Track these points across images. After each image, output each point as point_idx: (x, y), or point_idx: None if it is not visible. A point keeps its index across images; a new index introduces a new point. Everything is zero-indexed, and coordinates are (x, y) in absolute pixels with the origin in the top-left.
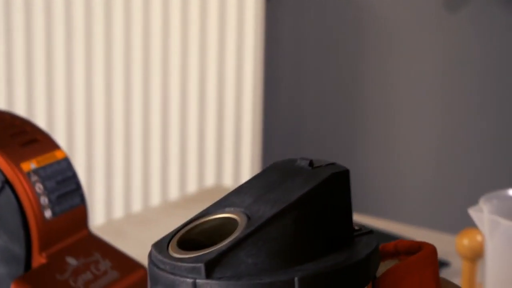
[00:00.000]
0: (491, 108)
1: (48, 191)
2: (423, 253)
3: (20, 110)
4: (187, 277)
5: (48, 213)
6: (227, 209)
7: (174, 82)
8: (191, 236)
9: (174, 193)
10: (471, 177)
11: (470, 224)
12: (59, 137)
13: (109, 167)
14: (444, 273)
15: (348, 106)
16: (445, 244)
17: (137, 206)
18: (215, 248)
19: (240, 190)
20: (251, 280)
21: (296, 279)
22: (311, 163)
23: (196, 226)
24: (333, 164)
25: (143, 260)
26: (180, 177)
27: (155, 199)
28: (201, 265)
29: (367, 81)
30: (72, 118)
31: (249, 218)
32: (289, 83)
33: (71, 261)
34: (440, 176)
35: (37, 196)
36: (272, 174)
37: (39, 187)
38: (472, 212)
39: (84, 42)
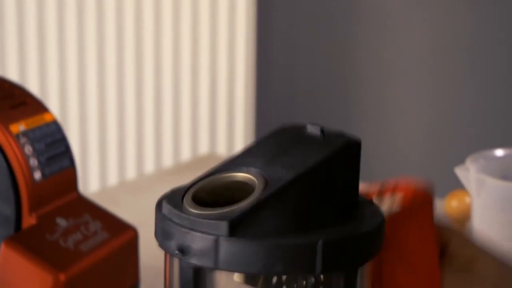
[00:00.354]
0: (480, 71)
1: (37, 153)
2: (419, 199)
3: (12, 76)
4: (209, 234)
5: (37, 175)
6: (240, 168)
7: (167, 48)
8: (205, 193)
9: (168, 161)
10: (463, 142)
11: (460, 187)
12: (52, 104)
13: (103, 136)
14: None
15: (341, 70)
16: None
17: (131, 174)
18: (236, 207)
19: (252, 150)
20: (275, 240)
21: (320, 242)
22: (322, 131)
23: (208, 183)
24: (342, 133)
25: (137, 226)
26: (174, 145)
27: (149, 167)
28: (224, 223)
29: (360, 46)
30: (65, 85)
31: (265, 179)
32: (282, 48)
33: (61, 222)
34: (432, 140)
35: (26, 157)
36: (283, 137)
37: (28, 149)
38: (459, 171)
39: (76, 6)
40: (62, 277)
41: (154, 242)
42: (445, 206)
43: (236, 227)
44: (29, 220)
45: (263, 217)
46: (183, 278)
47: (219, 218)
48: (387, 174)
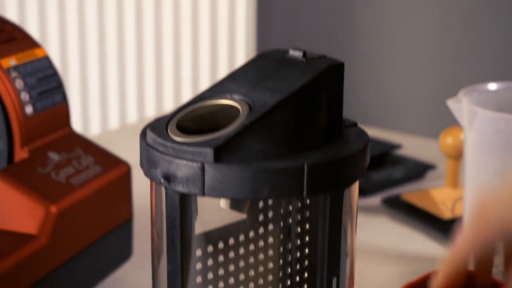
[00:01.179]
0: (475, 6)
1: (28, 87)
2: None
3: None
4: (194, 161)
5: (29, 109)
6: (224, 95)
7: None
8: (189, 121)
9: (168, 105)
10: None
11: (455, 124)
12: (52, 50)
13: (104, 80)
14: (431, 175)
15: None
16: (430, 149)
17: (132, 118)
18: (221, 133)
19: (234, 77)
20: (261, 165)
21: (305, 165)
22: (304, 54)
23: (192, 111)
24: (324, 56)
25: (136, 169)
26: (174, 89)
27: (150, 111)
28: (209, 149)
29: None
30: (65, 28)
31: (249, 105)
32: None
33: (53, 156)
34: (428, 77)
35: (17, 92)
36: (265, 62)
37: (19, 83)
38: (451, 103)
39: None
40: (54, 208)
41: (149, 183)
42: (440, 143)
43: (221, 153)
44: (21, 154)
45: (248, 142)
46: (170, 206)
47: (204, 144)
48: (384, 109)
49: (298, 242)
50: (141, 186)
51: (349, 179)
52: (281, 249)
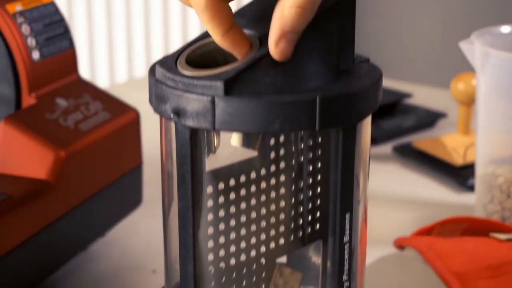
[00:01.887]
0: None
1: (35, 33)
2: None
3: None
4: (204, 95)
5: (36, 55)
6: None
7: None
8: (198, 56)
9: None
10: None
11: (467, 69)
12: (60, 3)
13: (111, 33)
14: (442, 123)
15: None
16: (441, 98)
17: (139, 71)
18: (231, 66)
19: (243, 13)
20: (272, 98)
21: (317, 98)
22: None
23: (201, 46)
24: None
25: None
26: (182, 42)
27: None
28: (219, 83)
29: None
30: None
31: (259, 39)
32: None
33: (61, 102)
34: (440, 21)
35: (24, 37)
36: None
37: (25, 29)
38: (463, 45)
39: None
40: (62, 153)
41: (158, 133)
42: (451, 89)
43: (232, 86)
44: (28, 100)
45: (258, 75)
46: (180, 142)
47: (214, 78)
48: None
49: (310, 180)
50: (149, 138)
51: (362, 113)
52: (293, 187)
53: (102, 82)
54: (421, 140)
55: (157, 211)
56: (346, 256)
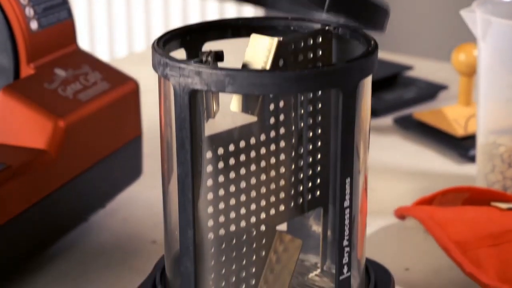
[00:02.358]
0: None
1: (33, 3)
2: None
3: None
4: None
5: (34, 25)
6: None
7: None
8: None
9: None
10: None
11: (468, 40)
12: None
13: (111, 8)
14: (443, 96)
15: None
16: (442, 71)
17: (139, 46)
18: None
19: None
20: None
21: None
22: None
23: None
24: None
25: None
26: (182, 18)
27: None
28: None
29: None
30: None
31: None
32: None
33: (60, 72)
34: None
35: (22, 6)
36: None
37: None
38: (464, 13)
39: None
40: (62, 123)
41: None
42: (452, 60)
43: None
44: (27, 71)
45: None
46: (179, 107)
47: None
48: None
49: (310, 146)
50: (148, 113)
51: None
52: (293, 153)
53: (101, 56)
54: (422, 112)
55: (157, 183)
56: (347, 222)
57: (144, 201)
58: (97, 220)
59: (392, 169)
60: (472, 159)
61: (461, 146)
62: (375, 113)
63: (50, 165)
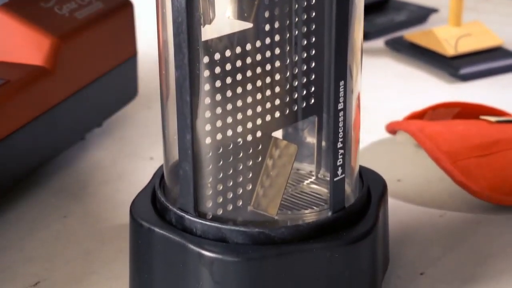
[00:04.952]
0: None
1: None
2: None
3: None
4: None
5: None
6: None
7: None
8: None
9: None
10: None
11: None
12: None
13: None
14: (433, 19)
15: None
16: None
17: None
18: None
19: None
20: None
21: None
22: None
23: None
24: None
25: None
26: None
27: None
28: None
29: None
30: None
31: None
32: None
33: None
34: None
35: None
36: None
37: None
38: None
39: None
40: (58, 40)
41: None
42: None
43: None
44: None
45: None
46: (176, 11)
47: None
48: None
49: (305, 54)
50: (143, 39)
51: None
52: (288, 60)
53: None
54: (412, 33)
55: (153, 103)
56: (341, 124)
57: (140, 121)
58: (94, 139)
59: (384, 90)
60: (463, 78)
61: (452, 66)
62: (366, 36)
63: (48, 81)
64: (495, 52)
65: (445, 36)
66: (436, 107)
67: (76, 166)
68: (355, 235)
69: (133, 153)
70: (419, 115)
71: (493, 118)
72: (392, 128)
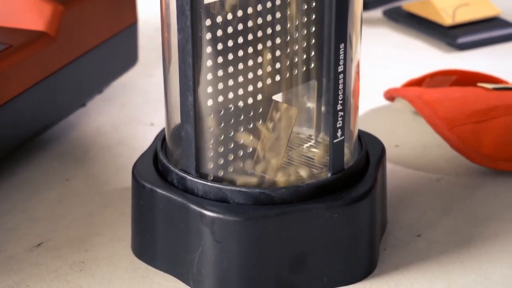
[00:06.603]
0: None
1: None
2: None
3: None
4: None
5: None
6: None
7: None
8: None
9: None
10: None
11: None
12: None
13: None
14: None
15: None
16: None
17: None
18: None
19: None
20: None
21: None
22: None
23: None
24: None
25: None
26: None
27: None
28: None
29: None
30: None
31: None
32: None
33: None
34: None
35: None
36: None
37: None
38: None
39: None
40: (60, 7)
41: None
42: None
43: None
44: None
45: None
46: None
47: None
48: None
49: (305, 19)
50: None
51: None
52: (288, 24)
53: None
54: (410, 3)
55: (154, 71)
56: (341, 86)
57: (141, 88)
58: (95, 105)
59: (382, 59)
60: (460, 47)
61: (449, 35)
62: (365, 6)
63: (50, 46)
64: (493, 22)
65: (442, 5)
66: (434, 75)
67: (78, 131)
68: (354, 195)
69: (134, 119)
70: (417, 82)
71: (490, 85)
72: (390, 95)
